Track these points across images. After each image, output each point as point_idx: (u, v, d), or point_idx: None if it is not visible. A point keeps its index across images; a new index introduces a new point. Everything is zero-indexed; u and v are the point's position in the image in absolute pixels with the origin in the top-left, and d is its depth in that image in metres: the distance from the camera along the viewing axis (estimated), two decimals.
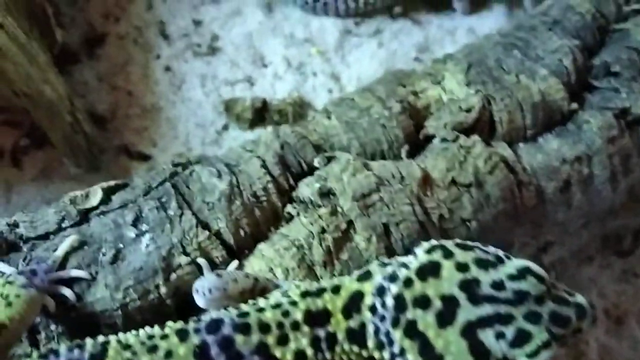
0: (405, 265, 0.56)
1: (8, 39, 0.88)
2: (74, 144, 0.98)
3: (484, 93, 0.82)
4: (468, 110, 0.80)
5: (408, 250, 0.66)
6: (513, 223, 0.79)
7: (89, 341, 0.57)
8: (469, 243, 0.58)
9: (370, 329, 0.55)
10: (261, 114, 1.16)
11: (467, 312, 0.52)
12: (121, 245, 0.68)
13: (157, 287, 0.67)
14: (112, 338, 0.57)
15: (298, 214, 0.72)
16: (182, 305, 0.67)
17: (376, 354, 0.55)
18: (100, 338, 0.58)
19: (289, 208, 0.73)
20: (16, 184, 1.05)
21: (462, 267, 0.54)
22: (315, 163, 0.78)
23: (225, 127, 1.17)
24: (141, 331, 0.58)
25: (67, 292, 0.64)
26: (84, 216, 0.70)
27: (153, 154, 1.11)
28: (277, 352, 0.55)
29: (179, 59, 1.21)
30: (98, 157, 1.02)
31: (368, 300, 0.56)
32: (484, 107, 0.81)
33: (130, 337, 0.57)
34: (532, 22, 0.94)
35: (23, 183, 1.05)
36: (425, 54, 1.32)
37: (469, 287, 0.53)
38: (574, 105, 0.83)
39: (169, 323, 0.58)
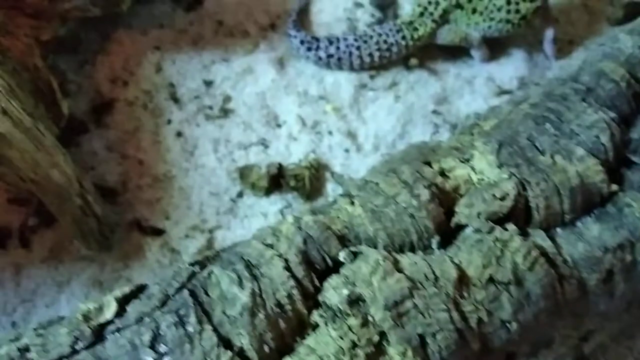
0: None
1: (12, 126, 0.84)
2: (84, 227, 0.94)
3: (518, 177, 0.77)
4: (502, 198, 0.75)
5: None
6: (554, 318, 0.73)
7: None
8: None
9: None
10: (277, 180, 1.12)
11: None
12: None
13: None
14: None
15: (326, 324, 0.67)
16: None
17: None
18: None
19: (316, 316, 0.68)
20: (25, 266, 1.01)
21: None
22: (341, 258, 0.73)
23: (240, 195, 1.12)
24: None
25: None
26: (99, 333, 0.65)
27: (166, 228, 1.07)
28: None
29: (190, 123, 1.17)
30: (109, 237, 0.98)
31: None
32: (519, 194, 0.76)
33: None
34: (564, 90, 0.89)
35: (32, 265, 1.00)
36: (444, 105, 1.27)
37: None
38: (614, 187, 0.78)
39: None
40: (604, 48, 0.98)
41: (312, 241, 0.74)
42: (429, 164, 0.85)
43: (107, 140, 1.13)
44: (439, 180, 0.81)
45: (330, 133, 1.21)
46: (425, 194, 0.77)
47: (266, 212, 1.11)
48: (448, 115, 1.26)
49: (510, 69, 1.33)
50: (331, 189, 1.15)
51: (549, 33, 1.32)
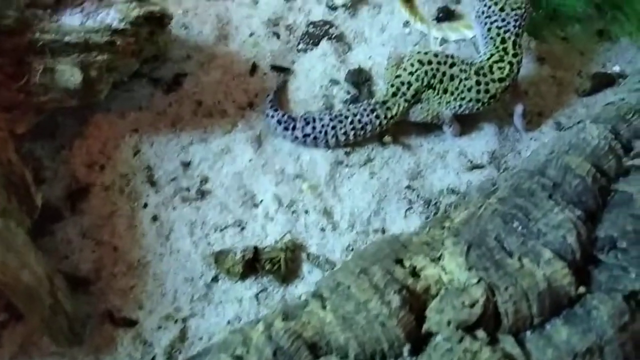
0: None
1: None
2: (53, 325, 0.92)
3: (486, 281, 0.78)
4: (472, 305, 0.76)
5: None
6: None
7: None
8: None
9: None
10: (252, 264, 1.12)
11: None
12: None
13: None
14: None
15: None
16: None
17: None
18: None
19: None
20: None
21: None
22: None
23: (215, 279, 1.12)
24: None
25: None
26: None
27: (139, 318, 1.06)
28: None
29: (167, 207, 1.17)
30: (80, 333, 0.96)
31: None
32: (487, 299, 0.76)
33: None
34: (530, 185, 0.91)
35: None
36: (418, 180, 1.29)
37: None
38: (582, 290, 0.79)
39: None
40: (571, 138, 1.01)
41: (282, 352, 0.74)
42: (400, 261, 0.86)
43: (82, 226, 1.12)
44: (410, 281, 0.82)
45: (306, 212, 1.21)
46: (396, 300, 0.77)
47: (241, 297, 1.10)
48: (422, 191, 1.28)
49: (482, 143, 1.36)
50: (307, 271, 1.15)
51: (519, 108, 1.36)
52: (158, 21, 1.10)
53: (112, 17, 0.99)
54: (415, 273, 0.83)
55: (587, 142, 0.98)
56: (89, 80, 1.00)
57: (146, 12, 1.03)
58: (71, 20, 0.96)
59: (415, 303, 0.80)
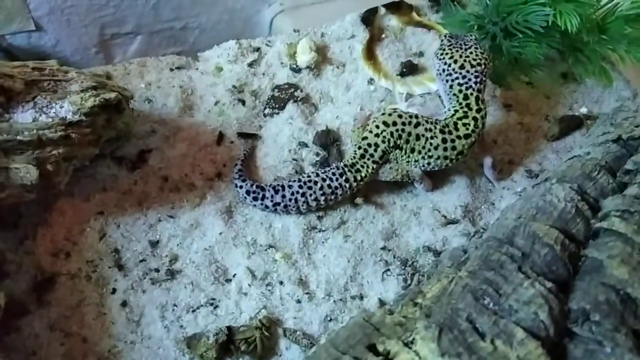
0: None
1: None
2: None
3: None
4: None
5: None
6: None
7: None
8: None
9: None
10: (227, 345, 1.09)
11: None
12: None
13: None
14: None
15: None
16: None
17: None
18: None
19: None
20: None
21: None
22: None
23: None
24: None
25: None
26: None
27: None
28: None
29: (136, 291, 1.14)
30: None
31: None
32: None
33: None
34: (499, 256, 0.90)
35: None
36: (393, 239, 1.28)
37: None
38: None
39: None
40: (537, 200, 1.00)
41: None
42: (373, 346, 0.83)
43: (49, 319, 1.09)
44: None
45: (281, 283, 1.19)
46: None
47: None
48: (398, 251, 1.26)
49: (454, 196, 1.35)
50: (284, 347, 1.12)
51: (487, 160, 1.36)
52: (115, 107, 1.09)
53: (66, 109, 0.97)
54: (389, 359, 0.81)
55: (553, 205, 0.97)
56: (46, 174, 0.98)
57: (101, 101, 1.01)
58: (23, 117, 0.94)
59: None
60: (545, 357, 0.77)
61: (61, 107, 0.97)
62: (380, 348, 0.83)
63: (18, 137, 0.93)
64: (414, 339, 0.82)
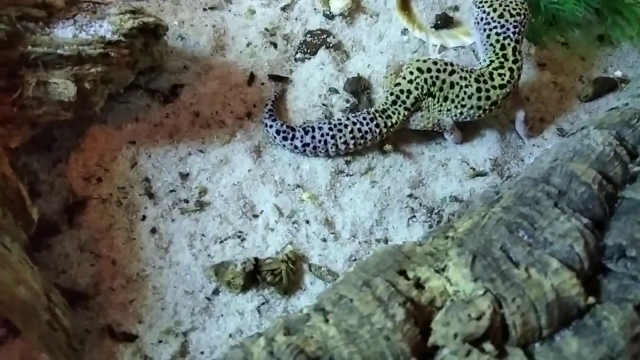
0: None
1: None
2: (51, 342, 0.90)
3: (493, 292, 0.76)
4: (478, 318, 0.74)
5: None
6: None
7: None
8: None
9: None
10: (253, 276, 1.10)
11: None
12: None
13: None
14: None
15: None
16: None
17: None
18: None
19: None
20: None
21: None
22: None
23: (216, 292, 1.10)
24: None
25: None
26: None
27: (139, 332, 1.03)
28: None
29: (165, 219, 1.15)
30: (79, 349, 0.94)
31: None
32: (494, 312, 0.75)
33: None
34: (535, 193, 0.89)
35: None
36: (419, 188, 1.27)
37: None
38: (591, 300, 0.77)
39: None
40: (575, 144, 0.99)
41: None
42: (404, 272, 0.84)
43: (80, 240, 1.10)
44: (414, 293, 0.80)
45: (307, 222, 1.20)
46: (400, 314, 0.75)
47: (242, 310, 1.08)
48: (424, 199, 1.26)
49: (483, 150, 1.34)
50: (309, 282, 1.13)
51: (520, 115, 1.35)
52: (152, 32, 1.08)
53: (105, 29, 0.97)
54: (419, 284, 0.81)
55: (591, 148, 0.96)
56: (84, 93, 0.99)
57: (140, 24, 1.01)
58: (64, 32, 0.95)
59: (420, 315, 0.78)
60: (580, 287, 0.77)
61: (100, 26, 0.97)
62: (411, 274, 0.83)
63: (58, 51, 0.93)
64: (445, 265, 0.82)
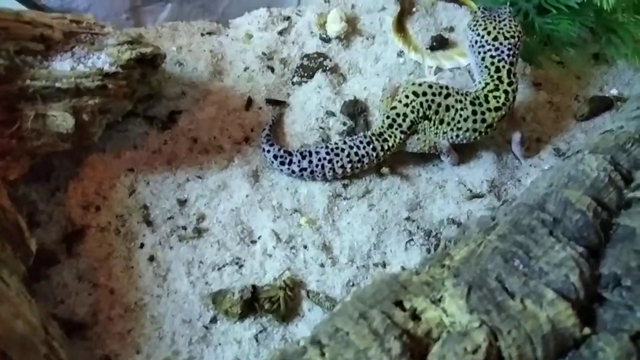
0: None
1: None
2: None
3: (489, 324, 0.76)
4: (474, 351, 0.74)
5: None
6: None
7: None
8: None
9: None
10: (251, 303, 1.10)
11: None
12: None
13: None
14: None
15: None
16: None
17: None
18: None
19: None
20: None
21: None
22: None
23: (214, 320, 1.10)
24: None
25: None
26: None
27: None
28: None
29: (163, 246, 1.16)
30: None
31: None
32: (490, 344, 0.75)
33: None
34: (530, 221, 0.89)
35: None
36: (417, 211, 1.28)
37: None
38: (587, 330, 0.77)
39: None
40: (570, 169, 1.00)
41: None
42: (400, 303, 0.84)
43: (78, 269, 1.11)
44: (411, 325, 0.80)
45: (305, 247, 1.20)
46: (396, 347, 0.75)
47: (240, 338, 1.08)
48: (422, 222, 1.26)
49: (480, 171, 1.35)
50: (307, 309, 1.13)
51: (516, 135, 1.35)
52: (150, 62, 1.10)
53: (103, 60, 0.98)
54: (415, 316, 0.81)
55: (586, 174, 0.96)
56: (82, 124, 1.00)
57: (138, 54, 1.02)
58: (62, 65, 0.96)
59: (417, 348, 0.77)
60: (575, 318, 0.77)
61: (98, 58, 0.99)
62: (407, 305, 0.83)
63: (56, 84, 0.94)
64: (441, 296, 0.82)
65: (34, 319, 0.90)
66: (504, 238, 0.88)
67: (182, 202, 1.21)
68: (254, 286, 1.11)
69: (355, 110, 1.38)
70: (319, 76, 1.42)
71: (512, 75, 1.28)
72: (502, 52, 1.26)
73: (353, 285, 1.16)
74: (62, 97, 0.96)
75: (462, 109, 1.25)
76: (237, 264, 1.16)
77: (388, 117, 1.27)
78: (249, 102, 1.37)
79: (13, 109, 0.95)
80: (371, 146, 1.26)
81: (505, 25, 1.28)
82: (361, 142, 1.26)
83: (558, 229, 0.87)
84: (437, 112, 1.26)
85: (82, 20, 1.04)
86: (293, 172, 1.25)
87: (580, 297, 0.80)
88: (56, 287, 1.09)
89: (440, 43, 1.50)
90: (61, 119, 0.95)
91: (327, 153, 1.25)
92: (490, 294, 0.80)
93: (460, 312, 0.79)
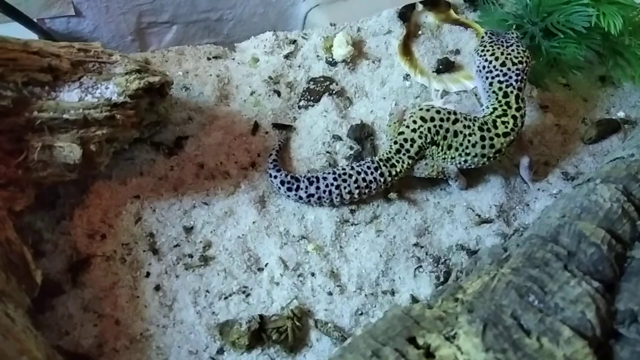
0: None
1: None
2: None
3: None
4: None
5: None
6: None
7: None
8: None
9: None
10: (258, 334, 1.08)
11: None
12: None
13: None
14: None
15: None
16: None
17: None
18: None
19: None
20: None
21: None
22: None
23: (221, 351, 1.08)
24: None
25: None
26: None
27: None
28: None
29: (169, 275, 1.14)
30: None
31: None
32: None
33: None
34: (544, 254, 0.88)
35: None
36: (425, 236, 1.26)
37: None
38: None
39: None
40: (582, 200, 0.99)
41: None
42: (413, 339, 0.82)
43: (83, 300, 1.09)
44: None
45: (312, 275, 1.18)
46: None
47: None
48: (430, 248, 1.25)
49: (489, 196, 1.34)
50: (315, 339, 1.11)
51: (524, 160, 1.35)
52: (158, 91, 1.09)
53: (111, 91, 0.98)
54: (429, 353, 0.80)
55: (599, 205, 0.95)
56: (89, 154, 0.99)
57: (146, 84, 1.02)
58: (69, 96, 0.95)
59: None
60: (593, 357, 0.76)
61: (106, 88, 0.98)
62: (421, 341, 0.82)
63: (64, 116, 0.93)
64: (456, 333, 0.81)
65: (39, 354, 0.89)
66: (518, 272, 0.87)
67: (189, 230, 1.20)
68: (261, 316, 1.10)
69: (362, 134, 1.37)
70: (325, 100, 1.41)
71: (520, 101, 1.27)
72: (510, 77, 1.26)
73: (362, 314, 1.15)
74: (70, 128, 0.95)
75: (470, 135, 1.24)
76: (244, 292, 1.15)
77: (396, 143, 1.27)
78: (256, 127, 1.36)
79: (20, 140, 0.94)
80: (379, 172, 1.25)
81: (513, 50, 1.27)
82: (369, 167, 1.25)
83: (573, 263, 0.86)
84: (445, 138, 1.25)
85: (89, 49, 1.04)
86: (300, 198, 1.24)
87: (597, 334, 0.78)
88: (61, 318, 1.07)
89: (446, 66, 1.50)
90: (68, 149, 0.94)
91: (335, 179, 1.23)
92: (506, 331, 0.78)
93: (475, 351, 0.77)
